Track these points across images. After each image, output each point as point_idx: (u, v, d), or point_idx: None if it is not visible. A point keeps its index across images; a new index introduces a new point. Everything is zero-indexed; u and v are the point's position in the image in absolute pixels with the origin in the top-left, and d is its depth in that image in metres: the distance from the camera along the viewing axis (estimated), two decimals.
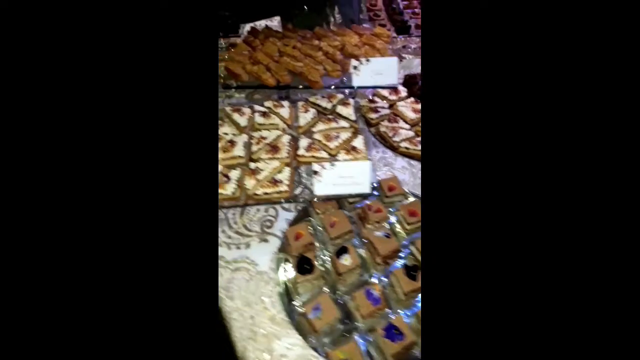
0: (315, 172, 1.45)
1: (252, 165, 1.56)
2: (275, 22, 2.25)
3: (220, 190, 1.49)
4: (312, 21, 2.05)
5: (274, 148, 1.60)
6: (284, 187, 1.48)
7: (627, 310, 0.56)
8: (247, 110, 1.78)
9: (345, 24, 2.16)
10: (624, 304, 0.56)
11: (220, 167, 1.57)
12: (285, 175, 1.52)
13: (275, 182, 1.49)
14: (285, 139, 1.66)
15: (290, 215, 1.54)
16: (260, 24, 2.29)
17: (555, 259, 0.59)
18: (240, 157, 1.61)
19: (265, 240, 1.48)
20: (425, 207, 0.67)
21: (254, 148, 1.63)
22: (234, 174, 1.54)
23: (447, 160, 0.64)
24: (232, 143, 1.63)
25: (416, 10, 2.22)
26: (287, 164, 1.58)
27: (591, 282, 0.57)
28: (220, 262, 1.42)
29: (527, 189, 0.60)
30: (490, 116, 0.62)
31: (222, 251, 1.45)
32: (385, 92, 2.01)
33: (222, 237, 1.50)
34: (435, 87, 0.65)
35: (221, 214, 1.54)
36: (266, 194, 1.48)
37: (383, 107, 1.95)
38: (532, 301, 0.59)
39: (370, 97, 1.99)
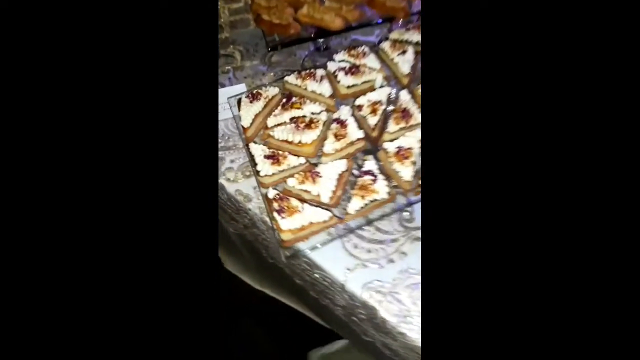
0: None
1: (390, 146, 1.05)
2: None
3: (371, 197, 0.98)
4: None
5: (404, 113, 1.09)
6: None
7: (627, 311, 0.56)
8: (320, 72, 1.21)
9: None
10: (624, 304, 0.56)
11: (344, 165, 1.03)
12: None
13: None
14: (405, 96, 1.14)
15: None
16: None
17: (556, 261, 0.58)
18: (359, 140, 1.07)
19: (418, 239, 1.03)
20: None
21: (371, 121, 1.10)
22: (371, 165, 1.02)
23: (448, 155, 0.61)
24: (341, 123, 1.08)
25: None
26: None
27: (590, 286, 0.57)
28: (381, 289, 0.98)
29: (528, 190, 0.59)
30: (490, 115, 0.60)
31: (373, 273, 1.00)
32: None
33: (361, 255, 1.02)
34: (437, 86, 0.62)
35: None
36: None
37: None
38: (536, 306, 0.58)
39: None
